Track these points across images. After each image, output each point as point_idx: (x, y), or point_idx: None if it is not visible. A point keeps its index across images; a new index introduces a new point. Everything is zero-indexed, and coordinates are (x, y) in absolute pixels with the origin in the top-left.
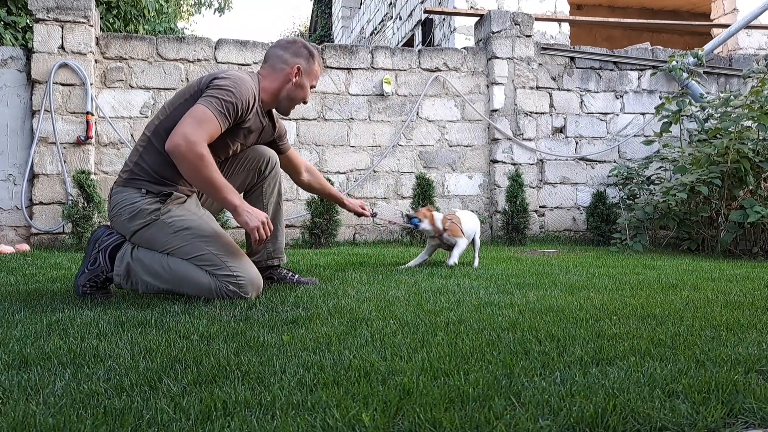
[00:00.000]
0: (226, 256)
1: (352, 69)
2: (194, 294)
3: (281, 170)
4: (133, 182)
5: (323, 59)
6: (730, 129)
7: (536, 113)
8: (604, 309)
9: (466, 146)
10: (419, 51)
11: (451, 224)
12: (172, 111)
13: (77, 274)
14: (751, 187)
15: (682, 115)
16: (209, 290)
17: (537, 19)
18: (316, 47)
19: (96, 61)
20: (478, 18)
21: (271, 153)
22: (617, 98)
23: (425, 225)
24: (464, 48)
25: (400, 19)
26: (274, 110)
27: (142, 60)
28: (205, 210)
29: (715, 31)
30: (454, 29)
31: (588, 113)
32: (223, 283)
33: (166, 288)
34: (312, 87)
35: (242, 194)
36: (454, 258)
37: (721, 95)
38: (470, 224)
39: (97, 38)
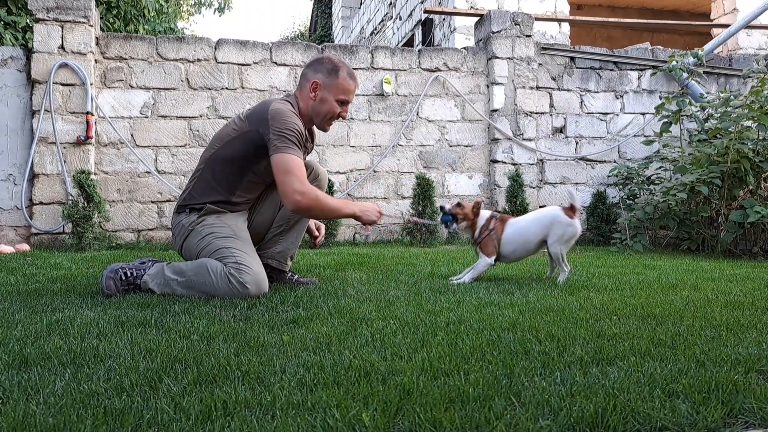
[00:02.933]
0: (237, 250)
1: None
2: (205, 281)
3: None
4: (182, 208)
5: None
6: (730, 129)
7: (536, 113)
8: (604, 309)
9: (466, 146)
10: (419, 51)
11: (487, 238)
12: (222, 145)
13: (114, 266)
14: (751, 187)
15: (682, 115)
16: (217, 272)
17: (537, 19)
18: (345, 64)
19: (96, 61)
20: (478, 18)
21: (315, 167)
22: (617, 98)
23: (461, 226)
24: (464, 48)
25: (400, 19)
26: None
27: (142, 60)
28: (238, 219)
29: (715, 31)
30: (454, 29)
31: (588, 113)
32: (228, 267)
33: (182, 281)
34: (342, 102)
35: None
36: (463, 276)
37: (721, 95)
38: (524, 233)
39: (97, 38)
